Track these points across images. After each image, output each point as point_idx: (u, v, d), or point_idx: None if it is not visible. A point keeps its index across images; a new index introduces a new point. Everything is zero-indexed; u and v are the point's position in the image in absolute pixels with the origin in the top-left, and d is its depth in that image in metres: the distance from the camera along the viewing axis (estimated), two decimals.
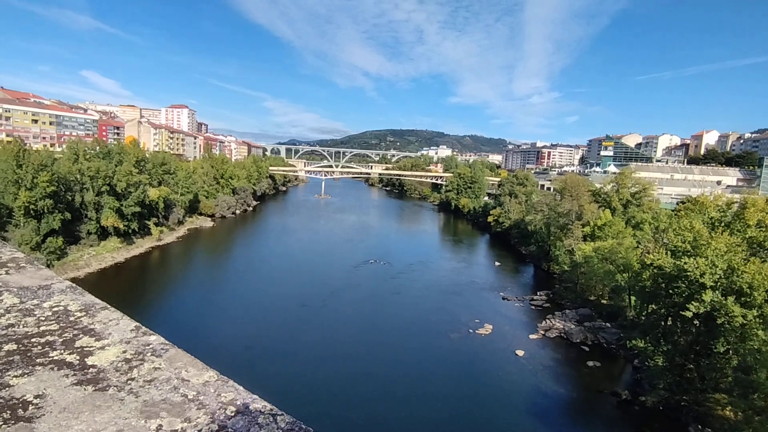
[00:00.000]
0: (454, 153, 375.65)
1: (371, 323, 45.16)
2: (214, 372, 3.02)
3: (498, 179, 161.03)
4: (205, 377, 2.94)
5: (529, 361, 39.22)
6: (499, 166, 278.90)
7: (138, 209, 69.81)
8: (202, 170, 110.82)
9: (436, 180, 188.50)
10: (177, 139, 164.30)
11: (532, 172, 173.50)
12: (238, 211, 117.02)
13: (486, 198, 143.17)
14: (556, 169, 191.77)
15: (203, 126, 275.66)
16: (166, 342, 3.36)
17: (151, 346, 3.26)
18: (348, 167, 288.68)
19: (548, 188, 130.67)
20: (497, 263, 76.41)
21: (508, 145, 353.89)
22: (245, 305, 48.33)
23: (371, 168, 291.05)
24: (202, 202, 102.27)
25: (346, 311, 48.07)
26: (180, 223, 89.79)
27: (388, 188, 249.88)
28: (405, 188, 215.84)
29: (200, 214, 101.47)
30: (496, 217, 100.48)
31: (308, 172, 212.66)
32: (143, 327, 3.51)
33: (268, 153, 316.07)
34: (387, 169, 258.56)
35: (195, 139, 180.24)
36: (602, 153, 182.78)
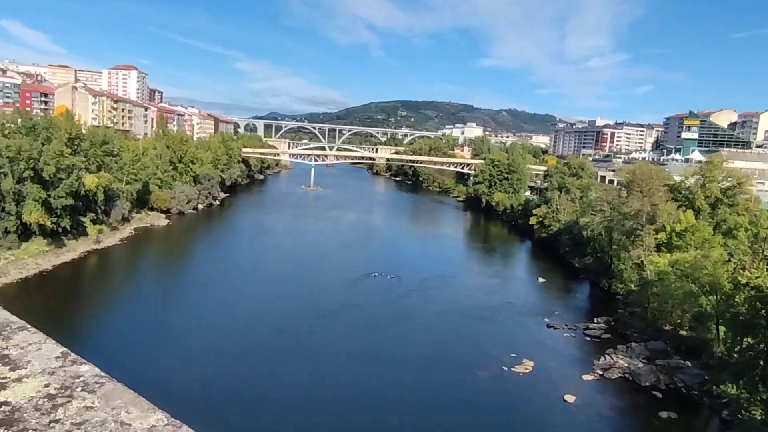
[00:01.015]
0: (487, 133, 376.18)
1: (373, 358, 45.27)
2: (162, 414, 3.02)
3: (543, 168, 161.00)
4: (152, 420, 2.94)
5: (581, 410, 39.07)
6: (545, 151, 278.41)
7: (70, 202, 70.14)
8: (154, 152, 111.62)
9: (462, 168, 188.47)
10: (123, 110, 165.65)
11: (590, 159, 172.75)
12: (200, 206, 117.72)
13: (527, 193, 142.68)
14: (622, 156, 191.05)
15: (157, 94, 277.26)
16: (102, 374, 3.37)
17: (82, 378, 3.26)
18: (346, 150, 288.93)
19: (610, 181, 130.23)
20: (541, 279, 76.36)
21: (557, 123, 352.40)
22: (207, 330, 48.65)
23: (376, 151, 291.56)
24: (154, 193, 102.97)
25: (340, 342, 48.26)
26: (125, 220, 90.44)
27: (398, 178, 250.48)
28: (421, 178, 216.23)
29: (152, 209, 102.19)
30: (540, 219, 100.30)
31: (293, 155, 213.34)
32: (72, 354, 3.52)
33: (241, 130, 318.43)
34: (397, 153, 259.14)
35: (146, 110, 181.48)
36: (683, 135, 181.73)
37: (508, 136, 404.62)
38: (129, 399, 3.10)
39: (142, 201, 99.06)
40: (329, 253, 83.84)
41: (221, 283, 64.20)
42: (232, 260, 76.31)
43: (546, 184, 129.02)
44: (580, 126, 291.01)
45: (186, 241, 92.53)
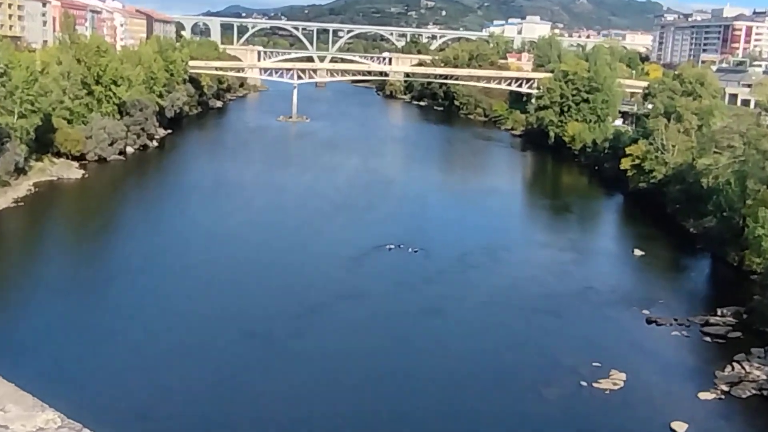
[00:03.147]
0: (556, 31, 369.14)
1: (385, 374, 45.31)
2: (55, 414, 2.85)
3: (642, 84, 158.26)
4: (38, 422, 2.78)
5: None
6: (645, 58, 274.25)
7: None
8: (59, 69, 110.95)
9: (519, 86, 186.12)
10: (8, 5, 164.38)
11: (713, 68, 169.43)
12: (130, 149, 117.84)
13: (618, 122, 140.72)
14: (762, 64, 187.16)
15: None
16: None
17: None
18: (344, 61, 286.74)
19: (745, 102, 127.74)
20: (638, 252, 75.96)
21: (664, 14, 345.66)
22: (143, 337, 48.97)
23: (389, 63, 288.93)
24: (61, 130, 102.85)
25: (337, 349, 48.36)
26: (19, 172, 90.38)
27: (422, 103, 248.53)
28: (457, 103, 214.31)
29: (58, 153, 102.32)
30: (637, 161, 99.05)
31: (266, 71, 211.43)
32: None
33: (187, 33, 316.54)
34: (421, 64, 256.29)
35: (44, 5, 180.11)
36: None
37: (588, 36, 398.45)
38: (7, 393, 2.94)
39: (43, 143, 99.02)
40: (321, 219, 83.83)
41: (164, 266, 64.61)
42: (178, 232, 76.75)
43: (646, 109, 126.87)
44: (698, 18, 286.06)
45: (111, 203, 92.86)
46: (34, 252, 69.86)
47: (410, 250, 71.32)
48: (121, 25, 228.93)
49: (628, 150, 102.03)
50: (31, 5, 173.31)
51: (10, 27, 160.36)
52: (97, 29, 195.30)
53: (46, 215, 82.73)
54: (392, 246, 72.00)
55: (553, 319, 55.81)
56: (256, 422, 38.36)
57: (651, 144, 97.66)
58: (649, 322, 56.16)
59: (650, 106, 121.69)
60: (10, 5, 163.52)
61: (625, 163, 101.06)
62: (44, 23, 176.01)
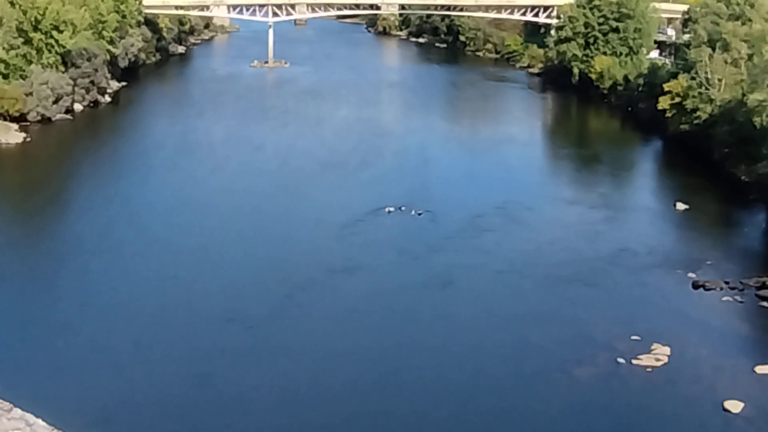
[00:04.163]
0: None
1: (392, 359, 45.56)
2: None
3: (681, 8, 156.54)
4: None
5: (754, 424, 39.48)
6: None
7: None
8: None
9: (536, 15, 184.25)
10: None
11: None
12: (79, 106, 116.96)
13: (653, 54, 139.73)
14: None
15: None
16: None
17: None
18: None
19: None
20: (681, 206, 76.13)
21: None
22: (98, 316, 49.20)
23: None
24: None
25: (331, 332, 48.55)
26: None
27: (422, 39, 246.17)
28: (462, 38, 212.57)
29: None
30: (676, 99, 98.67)
31: (235, 8, 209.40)
32: None
33: None
34: None
35: None
36: None
37: None
38: None
39: None
40: (307, 181, 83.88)
41: (123, 244, 64.31)
42: (139, 204, 76.57)
43: (686, 37, 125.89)
44: None
45: (58, 170, 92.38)
46: None
47: (413, 212, 71.40)
48: None
49: (666, 87, 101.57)
50: None
51: None
52: None
53: None
54: (392, 209, 72.05)
55: (584, 288, 55.98)
56: (238, 425, 38.38)
57: (693, 78, 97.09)
58: (695, 286, 56.35)
59: (689, 35, 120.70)
60: None
61: (664, 102, 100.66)
62: None
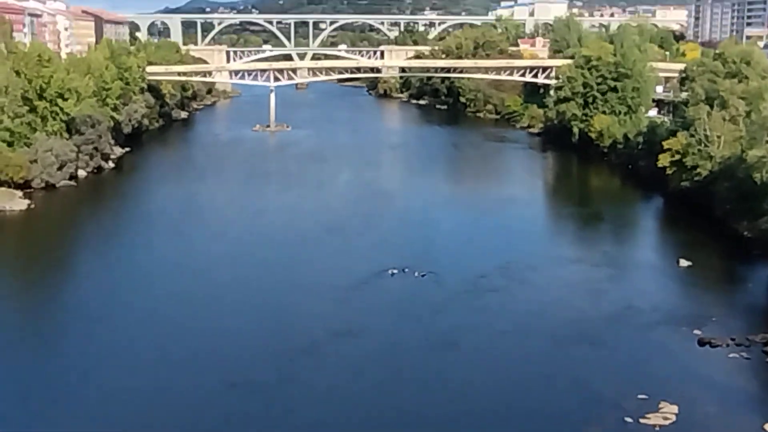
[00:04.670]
0: (575, 11, 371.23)
1: (396, 423, 45.19)
2: None
3: (678, 66, 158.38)
4: None
5: None
6: (680, 36, 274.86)
7: None
8: None
9: (535, 76, 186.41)
10: None
11: (760, 44, 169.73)
12: (83, 172, 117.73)
13: (652, 112, 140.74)
14: None
15: None
16: None
17: None
18: (326, 57, 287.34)
19: None
20: (684, 263, 75.91)
21: None
22: (98, 387, 48.97)
23: (382, 57, 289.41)
24: (0, 154, 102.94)
25: (337, 394, 48.34)
26: None
27: (423, 101, 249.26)
28: (463, 99, 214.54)
29: None
30: (676, 156, 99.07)
31: (237, 73, 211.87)
32: None
33: (143, 35, 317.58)
34: (419, 57, 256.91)
35: None
36: None
37: (612, 14, 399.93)
38: None
39: None
40: (310, 244, 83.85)
41: (125, 311, 64.10)
42: (142, 270, 76.37)
43: (684, 95, 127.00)
44: None
45: (62, 237, 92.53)
46: None
47: (416, 274, 71.14)
48: (66, 29, 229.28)
49: (665, 144, 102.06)
50: None
51: None
52: (37, 35, 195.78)
53: None
54: (395, 271, 71.83)
55: (589, 347, 55.65)
56: None
57: (692, 136, 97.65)
58: (701, 343, 55.90)
59: (687, 93, 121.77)
60: None
61: (664, 160, 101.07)
62: None
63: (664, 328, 59.50)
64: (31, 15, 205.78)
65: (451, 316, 61.71)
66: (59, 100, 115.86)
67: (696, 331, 57.71)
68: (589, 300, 65.74)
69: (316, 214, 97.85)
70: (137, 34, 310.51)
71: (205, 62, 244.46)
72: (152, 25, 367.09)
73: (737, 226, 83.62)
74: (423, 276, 70.71)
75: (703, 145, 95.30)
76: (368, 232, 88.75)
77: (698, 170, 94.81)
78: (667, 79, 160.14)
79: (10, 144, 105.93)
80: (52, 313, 65.01)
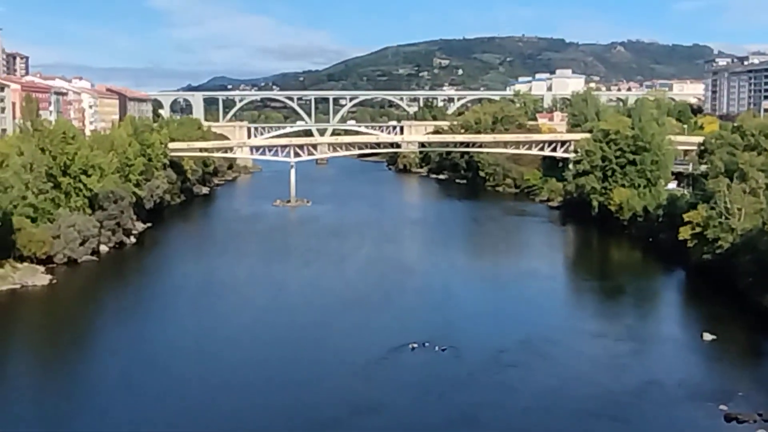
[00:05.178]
0: (592, 85, 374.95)
1: None
2: None
3: (697, 139, 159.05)
4: None
5: None
6: (697, 110, 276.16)
7: None
8: (20, 160, 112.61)
9: (553, 150, 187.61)
10: None
11: None
12: (105, 247, 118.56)
13: (671, 185, 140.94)
14: None
15: (19, 60, 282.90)
16: None
17: None
18: (348, 133, 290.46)
19: None
20: (707, 336, 75.26)
21: (714, 59, 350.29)
22: None
23: (401, 132, 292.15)
24: (23, 230, 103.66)
25: None
26: None
27: (442, 176, 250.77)
28: (482, 174, 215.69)
29: (21, 257, 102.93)
30: (697, 229, 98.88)
31: (258, 149, 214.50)
32: None
33: (165, 111, 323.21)
34: (438, 132, 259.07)
35: (2, 90, 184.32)
36: None
37: (629, 88, 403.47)
38: None
39: (3, 245, 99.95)
40: (330, 319, 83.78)
41: (145, 387, 64.05)
42: (162, 346, 76.52)
43: (703, 167, 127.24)
44: (756, 61, 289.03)
45: (83, 313, 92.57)
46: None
47: (437, 348, 70.86)
48: (91, 107, 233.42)
49: (686, 217, 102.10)
50: None
51: None
52: (63, 113, 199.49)
53: (7, 331, 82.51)
54: (415, 345, 71.61)
55: (612, 423, 55.08)
56: None
57: (713, 208, 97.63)
58: (728, 419, 55.13)
59: (706, 166, 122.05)
60: None
61: (684, 233, 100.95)
62: (2, 110, 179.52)
63: (689, 403, 58.85)
64: (57, 93, 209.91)
65: (472, 392, 61.18)
66: (83, 177, 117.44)
67: (722, 407, 56.93)
68: (612, 375, 65.14)
69: (337, 289, 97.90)
70: (160, 111, 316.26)
71: (227, 138, 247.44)
72: (175, 102, 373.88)
73: (761, 299, 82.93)
74: (444, 350, 70.39)
75: (723, 217, 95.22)
76: (389, 307, 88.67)
77: (719, 243, 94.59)
78: (686, 152, 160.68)
79: (33, 220, 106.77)
80: (70, 389, 64.97)
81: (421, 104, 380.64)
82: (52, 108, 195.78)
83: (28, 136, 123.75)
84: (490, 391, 61.28)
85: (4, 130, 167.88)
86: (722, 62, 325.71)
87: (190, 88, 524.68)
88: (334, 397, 59.86)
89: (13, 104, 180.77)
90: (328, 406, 57.87)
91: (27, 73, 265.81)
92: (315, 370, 66.57)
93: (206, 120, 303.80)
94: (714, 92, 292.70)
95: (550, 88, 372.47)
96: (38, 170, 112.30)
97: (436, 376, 64.77)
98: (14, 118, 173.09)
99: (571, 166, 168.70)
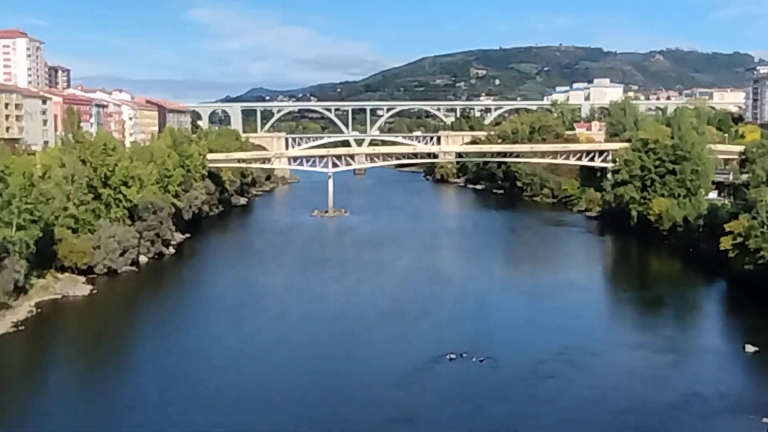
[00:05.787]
0: (631, 94, 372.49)
1: None
2: None
3: (738, 148, 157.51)
4: None
5: None
6: (738, 118, 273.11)
7: None
8: (62, 171, 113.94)
9: (591, 160, 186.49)
10: (5, 105, 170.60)
11: None
12: (144, 258, 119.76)
13: (712, 194, 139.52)
14: None
15: (61, 73, 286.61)
16: None
17: None
18: (385, 143, 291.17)
19: None
20: (750, 348, 74.27)
21: (755, 67, 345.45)
22: None
23: (438, 142, 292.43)
24: (65, 241, 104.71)
25: None
26: (19, 291, 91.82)
27: (479, 186, 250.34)
28: (519, 184, 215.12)
29: (62, 268, 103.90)
30: (738, 239, 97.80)
31: (295, 160, 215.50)
32: None
33: (204, 123, 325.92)
34: (475, 142, 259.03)
35: (44, 102, 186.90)
36: None
37: (669, 97, 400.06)
38: None
39: (45, 256, 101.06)
40: (367, 329, 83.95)
41: (185, 397, 64.71)
42: (201, 355, 76.83)
43: (744, 177, 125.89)
44: None
45: (123, 323, 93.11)
46: (36, 386, 69.76)
47: (474, 359, 70.58)
48: (131, 119, 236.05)
49: (727, 227, 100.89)
50: (30, 103, 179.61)
51: (7, 129, 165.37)
52: (103, 125, 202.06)
53: (50, 341, 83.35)
54: (453, 356, 71.39)
55: None
56: None
57: (754, 218, 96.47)
58: None
59: (747, 175, 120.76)
60: (6, 104, 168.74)
61: (725, 243, 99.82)
62: (45, 122, 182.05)
63: (731, 416, 58.12)
64: (97, 105, 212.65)
65: (510, 402, 60.95)
66: (123, 188, 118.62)
67: (765, 420, 56.17)
68: (651, 387, 64.39)
69: (375, 299, 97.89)
70: (199, 122, 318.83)
71: (265, 149, 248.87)
72: (213, 113, 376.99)
73: None
74: (482, 361, 70.08)
75: (765, 227, 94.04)
76: (426, 317, 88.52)
77: (762, 253, 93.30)
78: (727, 161, 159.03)
79: (74, 230, 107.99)
80: (109, 399, 65.18)
81: (458, 114, 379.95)
82: (92, 120, 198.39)
83: (69, 148, 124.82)
84: (528, 402, 60.94)
85: (46, 142, 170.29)
86: (763, 70, 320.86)
87: (228, 100, 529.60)
88: (371, 408, 59.85)
89: (55, 116, 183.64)
90: (365, 417, 57.88)
91: (68, 86, 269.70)
92: (352, 382, 66.71)
93: (244, 131, 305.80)
94: (755, 100, 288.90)
95: (587, 98, 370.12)
96: (79, 181, 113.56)
97: (474, 387, 64.63)
98: (56, 130, 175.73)
99: (609, 175, 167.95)
